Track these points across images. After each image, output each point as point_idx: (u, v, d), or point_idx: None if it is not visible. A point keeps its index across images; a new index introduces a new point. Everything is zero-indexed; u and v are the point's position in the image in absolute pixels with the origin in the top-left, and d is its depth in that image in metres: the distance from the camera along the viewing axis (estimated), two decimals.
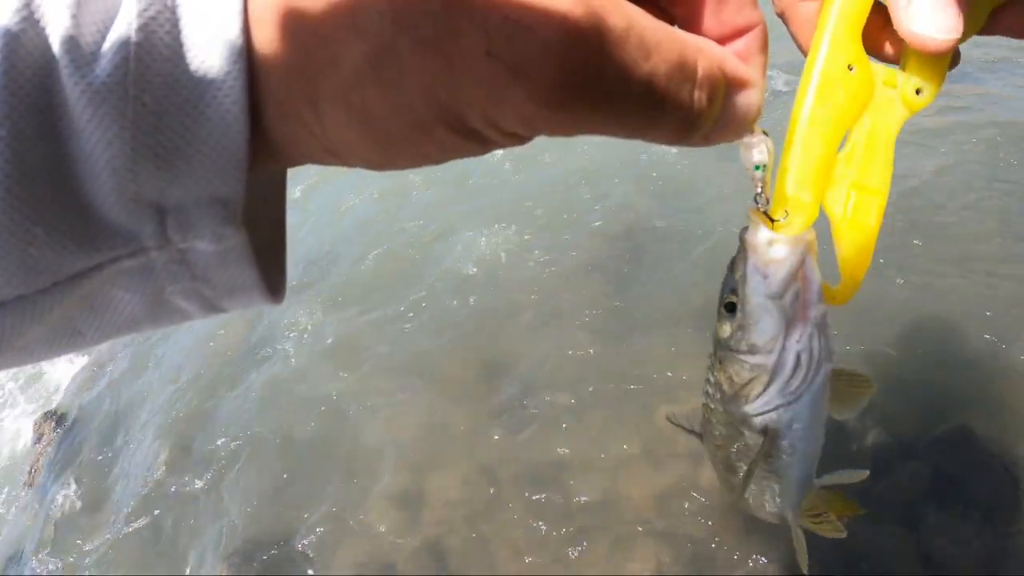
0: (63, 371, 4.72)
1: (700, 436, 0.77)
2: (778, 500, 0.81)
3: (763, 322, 0.58)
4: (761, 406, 0.63)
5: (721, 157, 3.53)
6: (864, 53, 0.52)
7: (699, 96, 0.38)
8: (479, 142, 0.36)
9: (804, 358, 0.59)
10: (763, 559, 2.15)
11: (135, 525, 3.05)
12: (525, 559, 2.36)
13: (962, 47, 0.51)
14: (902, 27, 0.49)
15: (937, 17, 0.48)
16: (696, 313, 2.80)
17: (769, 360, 0.59)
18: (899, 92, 0.53)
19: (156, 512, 3.05)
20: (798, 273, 0.55)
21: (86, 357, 4.57)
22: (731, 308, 0.60)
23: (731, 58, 0.41)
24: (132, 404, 3.80)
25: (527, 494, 2.52)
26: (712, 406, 0.70)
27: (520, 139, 0.37)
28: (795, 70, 0.54)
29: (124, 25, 0.32)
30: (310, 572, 2.59)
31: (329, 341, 3.43)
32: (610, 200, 3.66)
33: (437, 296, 3.45)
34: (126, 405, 3.83)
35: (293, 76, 0.34)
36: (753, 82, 0.42)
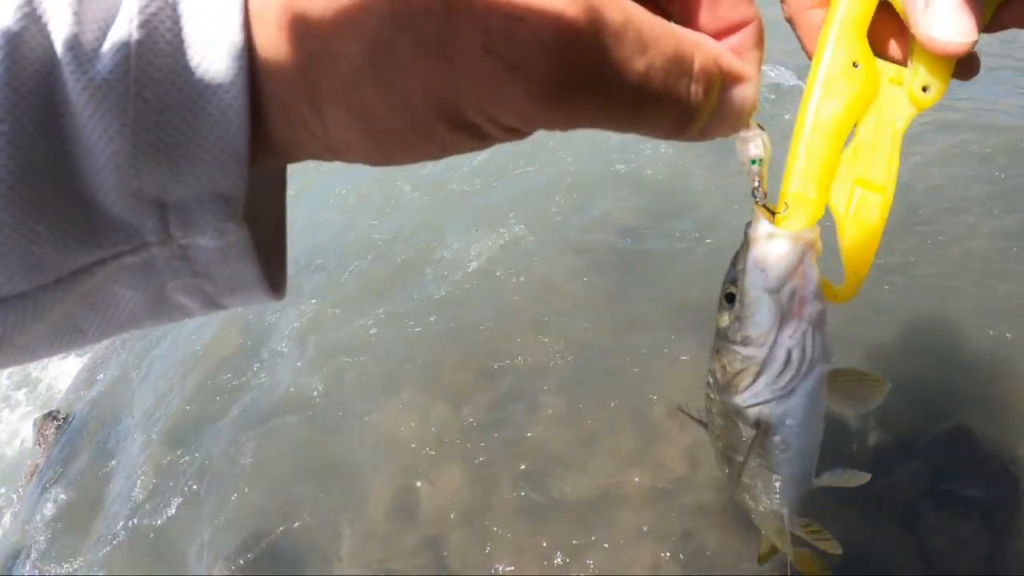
0: (63, 371, 4.72)
1: (706, 426, 0.78)
2: (776, 497, 0.81)
3: (759, 315, 0.59)
4: (750, 397, 0.64)
5: (721, 157, 3.53)
6: (869, 51, 0.53)
7: (695, 90, 0.38)
8: (479, 138, 0.37)
9: (795, 355, 0.59)
10: None
11: (134, 525, 3.05)
12: (524, 559, 2.36)
13: None
14: (919, 31, 0.49)
15: (955, 22, 0.48)
16: (696, 313, 2.79)
17: (760, 353, 0.60)
18: (906, 90, 0.53)
19: (155, 512, 3.05)
20: (797, 269, 0.55)
21: (86, 357, 4.57)
22: (731, 299, 0.61)
23: (727, 53, 0.42)
24: (131, 404, 3.80)
25: (526, 494, 2.52)
26: (712, 396, 0.71)
27: (519, 134, 0.37)
28: (807, 73, 0.55)
29: (125, 22, 0.33)
30: (309, 572, 2.59)
31: (326, 342, 3.43)
32: (607, 202, 3.66)
33: (434, 297, 3.44)
34: (125, 405, 3.83)
35: (293, 74, 0.34)
36: (748, 76, 0.42)
